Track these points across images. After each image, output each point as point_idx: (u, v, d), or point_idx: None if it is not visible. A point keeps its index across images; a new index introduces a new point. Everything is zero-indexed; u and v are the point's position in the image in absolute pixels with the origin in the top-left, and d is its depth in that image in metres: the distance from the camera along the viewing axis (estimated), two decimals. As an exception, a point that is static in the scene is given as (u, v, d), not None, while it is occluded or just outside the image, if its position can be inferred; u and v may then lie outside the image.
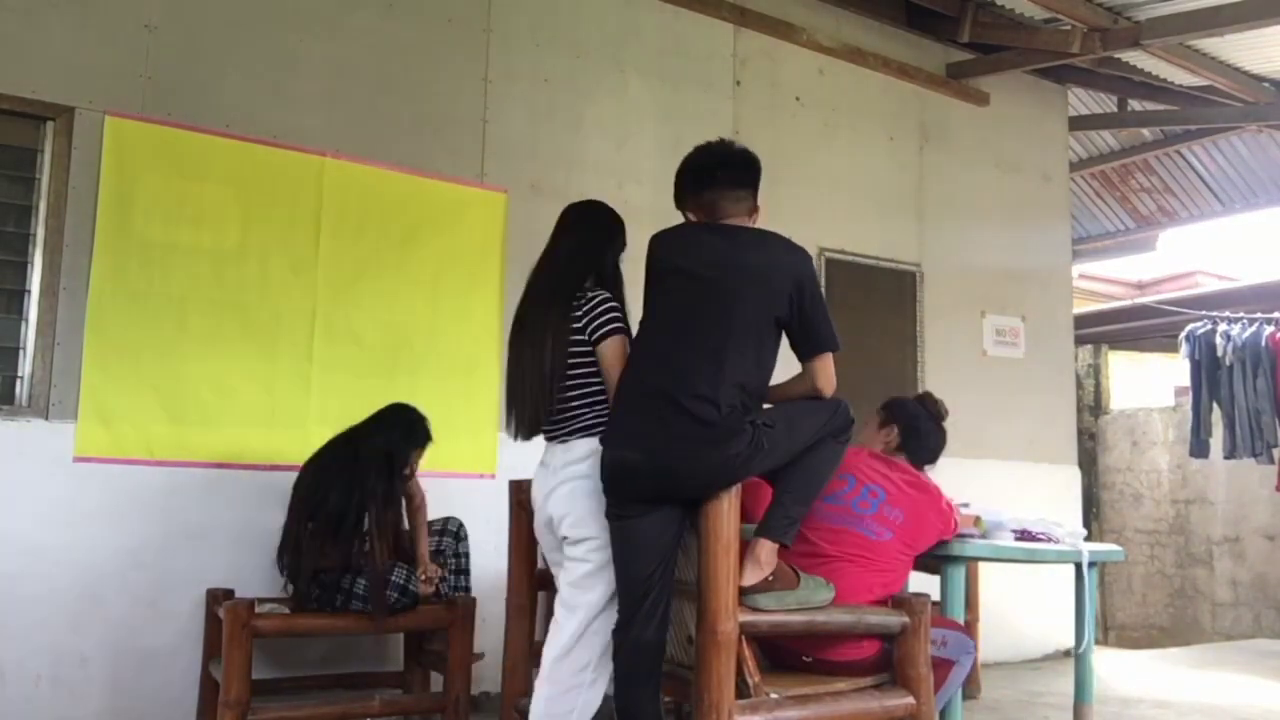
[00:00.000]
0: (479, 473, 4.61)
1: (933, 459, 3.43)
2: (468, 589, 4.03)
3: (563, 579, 2.83)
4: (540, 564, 3.35)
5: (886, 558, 3.02)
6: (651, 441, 2.52)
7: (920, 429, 3.39)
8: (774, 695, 2.59)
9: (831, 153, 6.00)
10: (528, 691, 3.22)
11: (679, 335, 2.62)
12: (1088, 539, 3.80)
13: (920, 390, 6.10)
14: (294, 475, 4.22)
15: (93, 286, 3.93)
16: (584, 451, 2.75)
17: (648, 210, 5.27)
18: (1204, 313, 7.58)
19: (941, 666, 3.02)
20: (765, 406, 2.70)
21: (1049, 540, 3.62)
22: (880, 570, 3.00)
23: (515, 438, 2.88)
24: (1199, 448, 7.27)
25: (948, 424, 3.51)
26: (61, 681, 3.77)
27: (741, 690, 2.51)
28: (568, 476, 2.77)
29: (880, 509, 3.05)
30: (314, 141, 4.42)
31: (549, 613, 4.21)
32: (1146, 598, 9.13)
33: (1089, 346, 9.72)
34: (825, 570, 2.87)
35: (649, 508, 2.54)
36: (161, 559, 3.97)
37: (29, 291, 3.91)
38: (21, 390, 3.87)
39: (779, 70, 5.84)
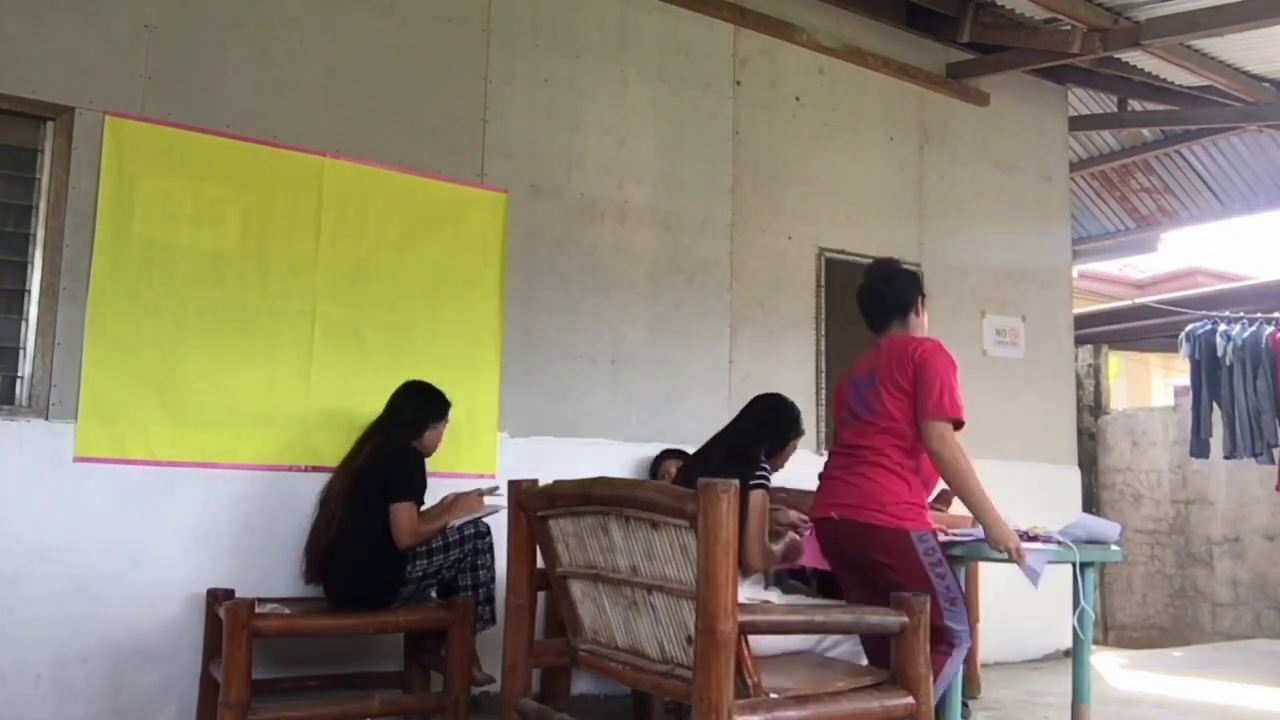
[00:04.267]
0: (479, 473, 4.61)
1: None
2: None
3: None
4: (539, 564, 3.35)
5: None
6: None
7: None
8: (774, 695, 2.59)
9: (831, 153, 6.00)
10: (528, 691, 3.22)
11: None
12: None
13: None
14: (293, 475, 4.24)
15: (93, 286, 3.93)
16: None
17: (647, 210, 5.32)
18: (1204, 313, 7.57)
19: (939, 654, 3.07)
20: None
21: (1047, 541, 3.62)
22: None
23: None
24: (1199, 448, 7.26)
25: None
26: (61, 681, 3.77)
27: (741, 690, 2.51)
28: None
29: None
30: (314, 141, 4.42)
31: (549, 612, 4.24)
32: (1146, 598, 9.13)
33: (1089, 346, 9.71)
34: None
35: None
36: (161, 559, 3.97)
37: (29, 291, 3.92)
38: (21, 390, 3.87)
39: (779, 70, 5.84)
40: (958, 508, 4.42)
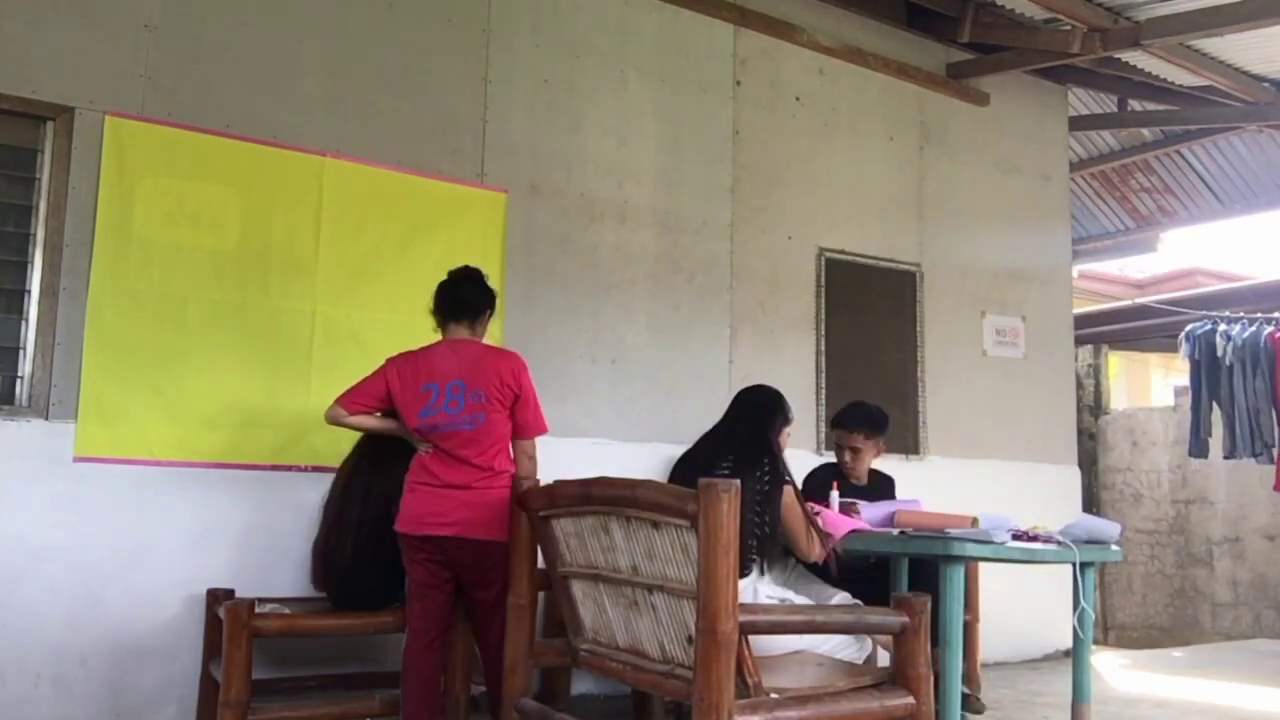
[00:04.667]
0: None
1: None
2: None
3: None
4: (540, 564, 3.35)
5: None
6: None
7: None
8: (774, 695, 2.59)
9: (831, 153, 6.00)
10: (528, 691, 3.22)
11: None
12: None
13: (920, 389, 6.12)
14: (293, 475, 4.24)
15: (93, 286, 3.93)
16: None
17: (647, 210, 5.32)
18: (1204, 313, 7.58)
19: None
20: None
21: (1047, 541, 3.62)
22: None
23: None
24: (1199, 448, 7.26)
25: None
26: (61, 681, 3.77)
27: (741, 690, 2.51)
28: None
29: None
30: (314, 141, 4.42)
31: (549, 612, 4.23)
32: (1146, 598, 9.13)
33: (1089, 346, 9.72)
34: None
35: None
36: (161, 559, 3.97)
37: (29, 291, 3.91)
38: (21, 390, 3.87)
39: (779, 70, 5.84)
40: (956, 507, 4.42)
